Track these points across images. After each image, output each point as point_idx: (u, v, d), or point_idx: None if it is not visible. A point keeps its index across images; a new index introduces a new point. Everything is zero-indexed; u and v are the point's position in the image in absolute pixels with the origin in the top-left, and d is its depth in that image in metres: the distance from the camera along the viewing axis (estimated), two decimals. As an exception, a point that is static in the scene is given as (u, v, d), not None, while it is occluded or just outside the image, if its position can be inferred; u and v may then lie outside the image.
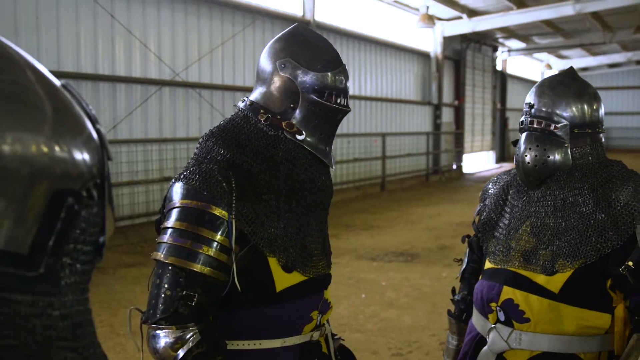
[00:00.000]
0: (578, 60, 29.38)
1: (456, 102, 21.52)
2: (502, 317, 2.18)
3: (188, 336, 1.61)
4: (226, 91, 11.58)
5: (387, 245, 9.18)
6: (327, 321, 2.02)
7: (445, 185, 18.20)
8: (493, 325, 2.20)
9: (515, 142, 2.28)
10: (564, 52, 28.09)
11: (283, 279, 1.78)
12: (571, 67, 2.31)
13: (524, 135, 2.21)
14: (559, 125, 2.13)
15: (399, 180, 17.32)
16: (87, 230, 0.72)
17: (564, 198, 2.13)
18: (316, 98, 1.82)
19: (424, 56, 19.23)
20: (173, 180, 1.77)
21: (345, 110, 1.90)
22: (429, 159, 19.12)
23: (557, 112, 2.14)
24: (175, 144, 10.40)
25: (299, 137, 1.83)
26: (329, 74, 1.84)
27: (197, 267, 1.63)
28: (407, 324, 5.60)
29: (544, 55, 28.80)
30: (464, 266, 2.57)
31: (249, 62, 12.12)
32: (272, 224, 1.74)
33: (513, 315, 2.15)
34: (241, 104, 1.91)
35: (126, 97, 9.69)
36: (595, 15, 18.83)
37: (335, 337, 2.08)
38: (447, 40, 19.53)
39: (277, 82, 1.84)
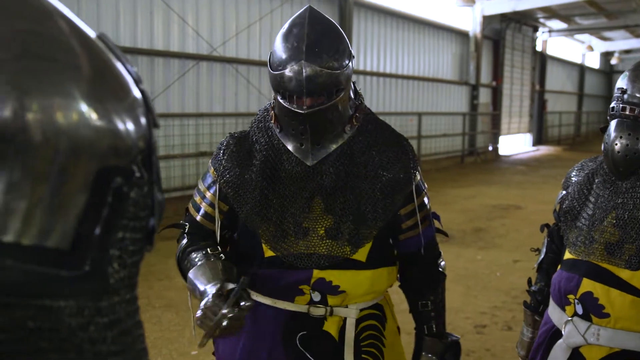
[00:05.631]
0: (621, 42, 28.57)
1: (494, 83, 21.14)
2: (580, 310, 2.06)
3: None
4: (263, 67, 11.47)
5: (422, 226, 9.07)
6: (356, 308, 2.00)
7: (481, 167, 17.92)
8: (570, 318, 2.09)
9: (604, 129, 2.12)
10: (607, 34, 27.33)
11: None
12: None
13: (614, 122, 2.06)
14: None
15: (434, 161, 17.13)
16: (138, 215, 0.59)
17: None
18: (277, 96, 1.84)
19: (462, 35, 18.86)
20: None
21: (296, 112, 1.78)
22: (464, 140, 18.86)
23: None
24: (212, 119, 10.39)
25: (276, 130, 1.92)
26: (280, 72, 1.77)
27: (190, 209, 2.11)
28: (441, 306, 5.54)
29: (585, 37, 28.05)
30: (542, 256, 2.44)
31: (286, 38, 12.01)
32: (251, 196, 1.90)
33: (592, 309, 2.03)
34: None
35: (164, 71, 9.70)
36: (643, -5, 18.29)
37: (453, 336, 2.16)
38: (487, 20, 19.12)
39: None
